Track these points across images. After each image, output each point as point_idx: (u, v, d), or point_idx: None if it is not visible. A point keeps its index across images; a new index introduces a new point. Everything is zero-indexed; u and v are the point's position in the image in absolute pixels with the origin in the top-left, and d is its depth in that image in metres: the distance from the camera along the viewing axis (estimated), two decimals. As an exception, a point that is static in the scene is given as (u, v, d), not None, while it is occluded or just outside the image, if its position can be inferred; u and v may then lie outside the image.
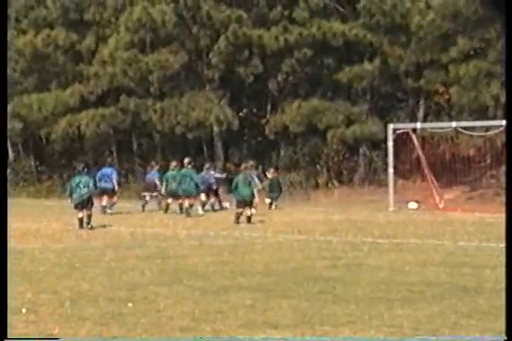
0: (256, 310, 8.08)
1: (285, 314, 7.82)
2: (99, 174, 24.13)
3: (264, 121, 34.30)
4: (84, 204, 18.49)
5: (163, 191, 23.90)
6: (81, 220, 18.49)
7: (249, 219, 19.44)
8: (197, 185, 22.54)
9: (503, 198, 27.82)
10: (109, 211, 23.41)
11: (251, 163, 23.14)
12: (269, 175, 27.49)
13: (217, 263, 11.83)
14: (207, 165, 25.63)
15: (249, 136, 35.83)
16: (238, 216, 19.44)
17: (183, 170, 22.97)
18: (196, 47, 33.79)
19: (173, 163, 24.26)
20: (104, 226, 19.12)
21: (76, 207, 18.63)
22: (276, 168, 29.76)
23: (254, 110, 36.20)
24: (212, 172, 25.45)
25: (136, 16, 32.72)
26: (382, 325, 7.28)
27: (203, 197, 23.92)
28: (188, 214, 21.94)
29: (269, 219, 20.93)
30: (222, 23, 32.51)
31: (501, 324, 7.20)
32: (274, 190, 26.52)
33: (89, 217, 18.60)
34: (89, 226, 18.42)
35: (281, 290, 9.37)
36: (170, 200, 23.61)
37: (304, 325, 7.28)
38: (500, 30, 29.61)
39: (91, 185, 18.83)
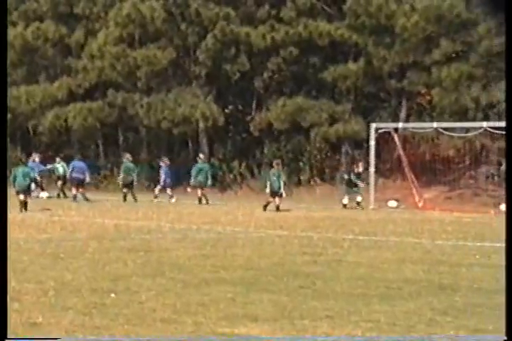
0: (237, 303, 8.17)
1: (265, 308, 7.92)
2: (71, 166, 27.67)
3: (249, 118, 34.47)
4: (25, 191, 21.31)
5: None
6: (25, 203, 21.14)
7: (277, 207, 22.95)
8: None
9: (482, 198, 28.22)
10: (79, 198, 26.38)
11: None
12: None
13: (199, 257, 11.94)
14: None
15: (234, 132, 35.96)
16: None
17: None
18: (184, 43, 33.91)
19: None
20: (88, 217, 19.28)
21: (18, 193, 21.29)
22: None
23: (240, 107, 36.34)
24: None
25: (126, 12, 32.81)
26: (360, 320, 7.37)
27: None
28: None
29: (251, 214, 21.18)
30: (210, 20, 32.64)
31: (475, 322, 7.41)
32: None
33: (26, 203, 21.21)
34: (25, 211, 20.89)
35: (261, 284, 9.47)
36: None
37: (284, 319, 7.38)
38: (484, 33, 29.98)
39: (31, 174, 21.99)
